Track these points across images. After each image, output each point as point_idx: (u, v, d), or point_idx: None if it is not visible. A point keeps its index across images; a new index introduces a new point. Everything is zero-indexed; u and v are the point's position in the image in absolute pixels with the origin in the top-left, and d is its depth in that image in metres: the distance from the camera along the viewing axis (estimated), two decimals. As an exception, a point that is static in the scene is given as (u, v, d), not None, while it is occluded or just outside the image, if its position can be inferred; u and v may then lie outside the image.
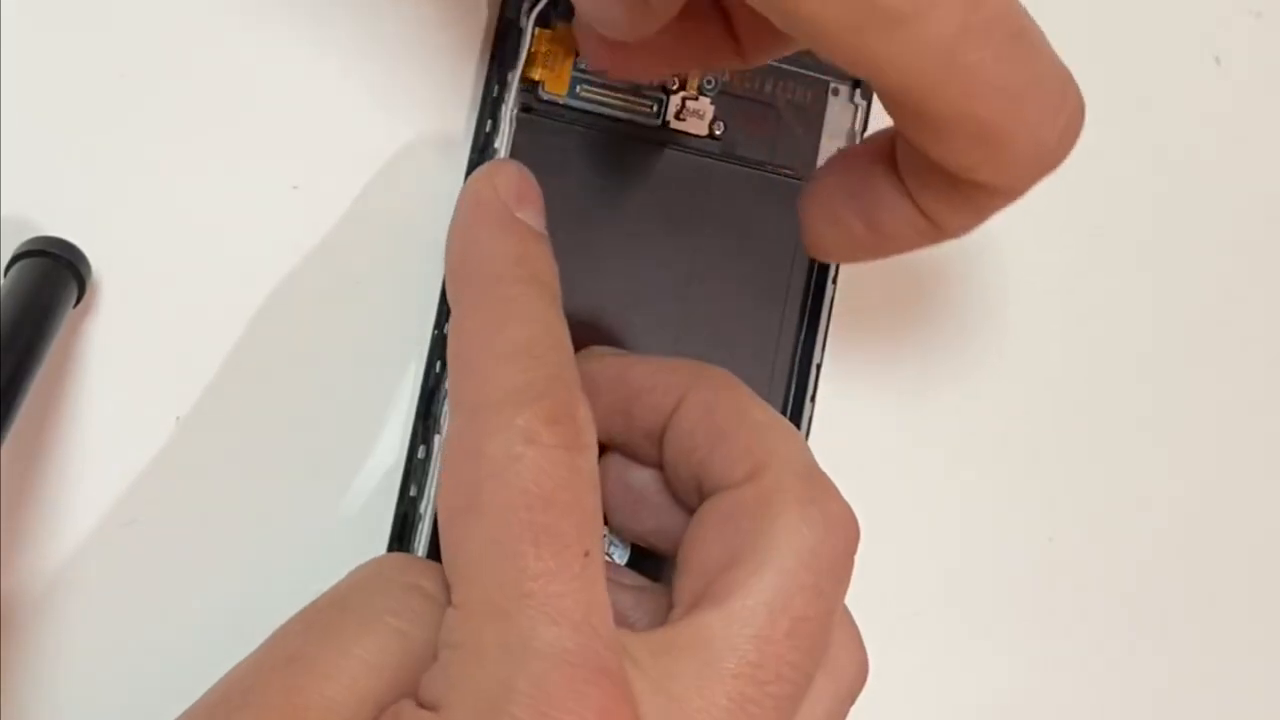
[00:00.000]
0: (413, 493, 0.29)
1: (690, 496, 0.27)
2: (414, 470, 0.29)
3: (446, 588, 0.24)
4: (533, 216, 0.27)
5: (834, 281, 0.31)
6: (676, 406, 0.27)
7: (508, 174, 0.27)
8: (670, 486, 0.27)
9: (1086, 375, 0.36)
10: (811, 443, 0.31)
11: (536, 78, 0.29)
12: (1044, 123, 0.23)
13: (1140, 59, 0.36)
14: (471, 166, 0.29)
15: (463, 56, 0.30)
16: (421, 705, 0.22)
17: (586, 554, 0.23)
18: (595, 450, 0.24)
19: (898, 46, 0.21)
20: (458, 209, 0.27)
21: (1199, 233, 0.37)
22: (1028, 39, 0.23)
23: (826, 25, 0.21)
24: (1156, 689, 0.36)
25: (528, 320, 0.25)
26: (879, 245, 0.27)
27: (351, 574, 0.26)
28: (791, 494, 0.24)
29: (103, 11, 0.28)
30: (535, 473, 0.23)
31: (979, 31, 0.22)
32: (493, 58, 0.30)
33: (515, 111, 0.29)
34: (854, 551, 0.25)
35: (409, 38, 0.29)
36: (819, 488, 0.25)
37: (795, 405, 0.31)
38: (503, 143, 0.28)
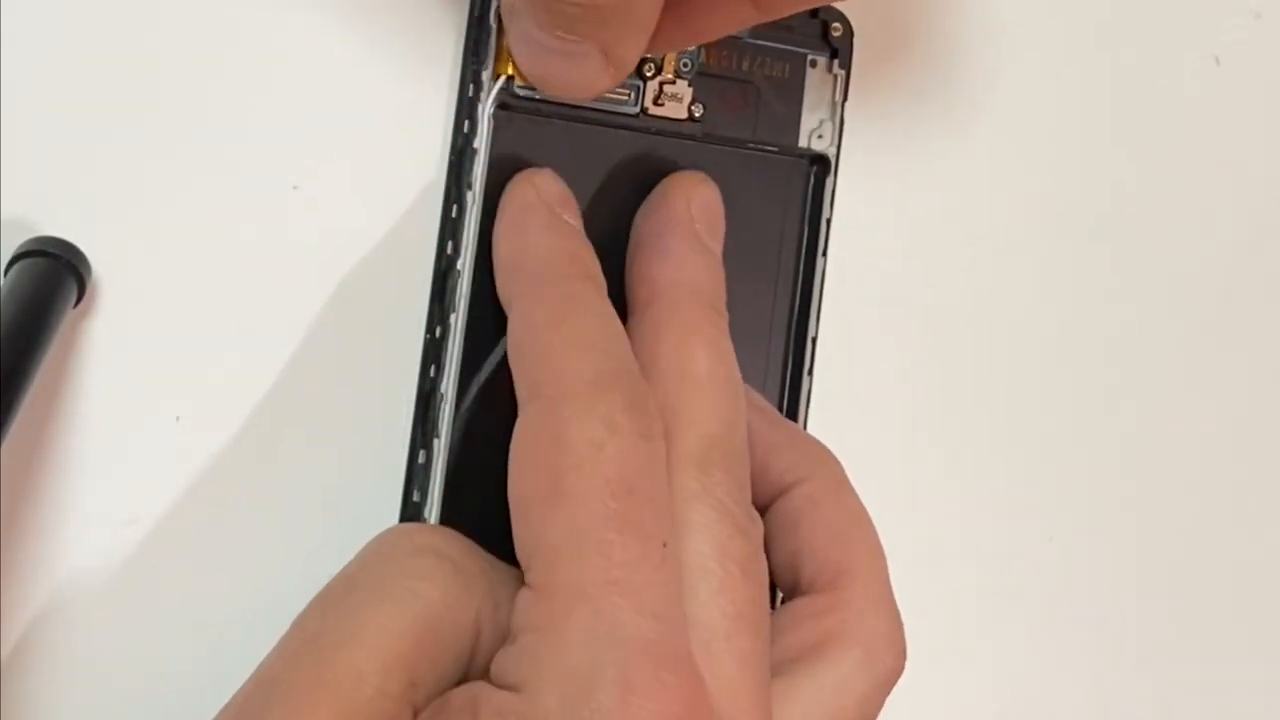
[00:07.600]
0: (416, 498, 0.28)
1: (780, 567, 0.28)
2: (416, 475, 0.28)
3: (456, 548, 0.25)
4: (574, 219, 0.28)
5: (824, 255, 0.31)
6: (793, 485, 0.28)
7: (547, 179, 0.28)
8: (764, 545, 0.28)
9: (1087, 374, 0.36)
10: (810, 431, 0.31)
11: (509, 73, 0.28)
12: None
13: (1140, 59, 0.36)
14: (451, 168, 0.29)
15: (452, 54, 0.30)
16: (500, 686, 0.23)
17: (664, 544, 0.23)
18: (664, 441, 0.25)
19: None
20: (503, 212, 0.28)
21: (1199, 232, 0.37)
22: None
23: None
24: (1157, 689, 0.36)
25: (594, 314, 0.26)
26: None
27: (359, 552, 0.26)
28: (866, 628, 0.27)
29: (102, 11, 0.28)
30: (617, 461, 0.23)
31: None
32: (465, 57, 0.29)
33: (492, 109, 0.28)
34: (894, 686, 0.27)
35: (408, 36, 0.29)
36: (892, 622, 0.27)
37: (793, 381, 0.31)
38: (481, 142, 0.28)
